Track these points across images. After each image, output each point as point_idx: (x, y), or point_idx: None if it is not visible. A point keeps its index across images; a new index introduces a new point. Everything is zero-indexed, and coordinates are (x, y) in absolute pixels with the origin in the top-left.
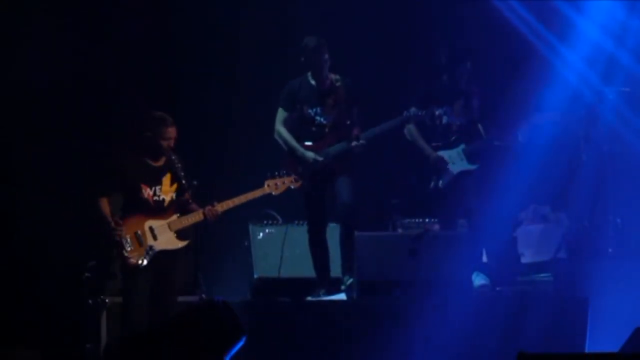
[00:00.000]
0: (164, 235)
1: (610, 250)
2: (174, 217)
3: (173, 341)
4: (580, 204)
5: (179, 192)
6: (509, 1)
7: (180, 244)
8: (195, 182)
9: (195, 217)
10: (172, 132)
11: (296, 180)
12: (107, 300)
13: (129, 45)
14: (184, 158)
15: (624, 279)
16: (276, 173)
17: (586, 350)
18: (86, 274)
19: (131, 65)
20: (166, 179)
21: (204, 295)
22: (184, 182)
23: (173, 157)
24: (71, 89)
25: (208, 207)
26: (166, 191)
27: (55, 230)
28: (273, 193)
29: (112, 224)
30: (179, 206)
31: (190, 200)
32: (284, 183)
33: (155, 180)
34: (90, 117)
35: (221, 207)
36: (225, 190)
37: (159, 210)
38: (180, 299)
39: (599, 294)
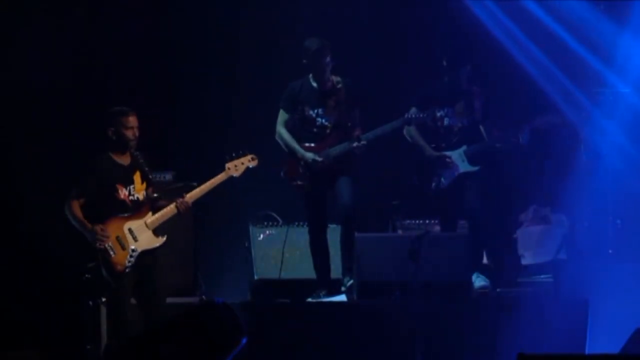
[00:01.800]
0: (143, 235)
1: (610, 251)
2: (149, 215)
3: (173, 342)
4: (580, 205)
5: (147, 189)
6: (507, 4)
7: (160, 241)
8: (195, 184)
9: (169, 211)
10: (132, 120)
11: (253, 159)
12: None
13: (129, 45)
14: (184, 158)
15: (624, 280)
16: (233, 154)
17: (586, 352)
18: (86, 275)
19: (131, 65)
20: (137, 177)
21: (204, 297)
22: (150, 177)
23: (136, 153)
24: (71, 89)
25: (179, 200)
26: (139, 189)
27: (55, 231)
28: (234, 175)
29: (99, 231)
30: (152, 203)
31: (157, 195)
32: (242, 164)
33: (128, 180)
34: (91, 117)
35: (190, 197)
36: (225, 191)
37: (135, 210)
38: (181, 300)
39: (599, 295)
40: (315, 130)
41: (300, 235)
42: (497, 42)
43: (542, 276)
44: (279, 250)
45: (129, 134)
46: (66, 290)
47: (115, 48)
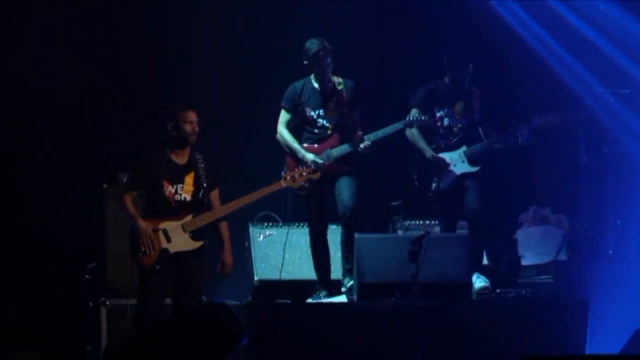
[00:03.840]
0: (178, 237)
1: (610, 252)
2: (189, 217)
3: (173, 343)
4: (580, 206)
5: (197, 192)
6: (509, 2)
7: (196, 244)
8: None
9: (209, 216)
10: (192, 115)
11: (314, 171)
12: (107, 302)
13: (130, 45)
14: None
15: (624, 281)
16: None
17: (586, 352)
18: (86, 276)
19: (131, 66)
20: (189, 178)
21: (204, 298)
22: (203, 181)
23: (198, 156)
24: (71, 88)
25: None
26: (188, 190)
27: (56, 232)
28: (293, 186)
29: (149, 229)
30: (195, 206)
31: (206, 200)
32: (302, 175)
33: (177, 178)
34: (91, 118)
35: (235, 204)
36: (225, 191)
37: (177, 210)
38: None
39: (599, 296)
40: (316, 131)
41: (301, 235)
42: (496, 42)
43: (542, 276)
44: (279, 251)
45: (188, 128)
46: (66, 291)
47: (116, 48)
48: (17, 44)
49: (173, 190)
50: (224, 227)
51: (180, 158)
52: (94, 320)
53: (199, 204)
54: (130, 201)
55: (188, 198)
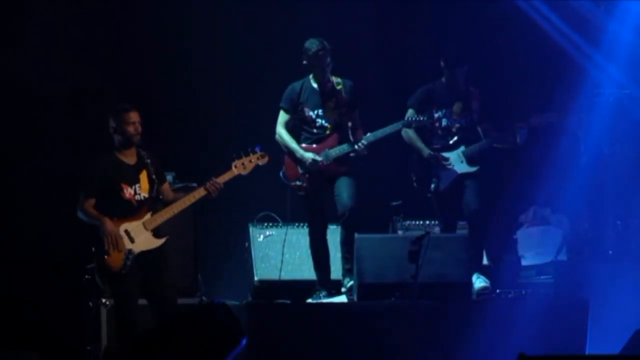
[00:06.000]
0: (141, 237)
1: (610, 252)
2: (148, 215)
3: (173, 344)
4: (580, 206)
5: (152, 189)
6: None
7: (159, 242)
8: (195, 185)
9: (168, 212)
10: (134, 116)
11: (262, 157)
12: (107, 302)
13: (129, 45)
14: (185, 160)
15: (624, 281)
16: (242, 153)
17: (586, 352)
18: (86, 276)
19: (131, 65)
20: (143, 176)
21: (204, 298)
22: (154, 177)
23: (143, 153)
24: (71, 89)
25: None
26: (145, 189)
27: (56, 233)
28: (242, 173)
29: (116, 229)
30: (152, 204)
31: (160, 196)
32: (250, 161)
33: (133, 179)
34: (92, 118)
35: (193, 197)
36: (225, 191)
37: (136, 209)
38: (181, 301)
39: (599, 296)
40: (315, 131)
41: (300, 235)
42: (495, 41)
43: (542, 277)
44: (279, 251)
45: (131, 129)
46: (66, 291)
47: (115, 48)
48: (17, 44)
49: (132, 192)
50: (180, 200)
51: (130, 158)
52: (94, 320)
53: (154, 201)
54: (91, 207)
55: (147, 197)
